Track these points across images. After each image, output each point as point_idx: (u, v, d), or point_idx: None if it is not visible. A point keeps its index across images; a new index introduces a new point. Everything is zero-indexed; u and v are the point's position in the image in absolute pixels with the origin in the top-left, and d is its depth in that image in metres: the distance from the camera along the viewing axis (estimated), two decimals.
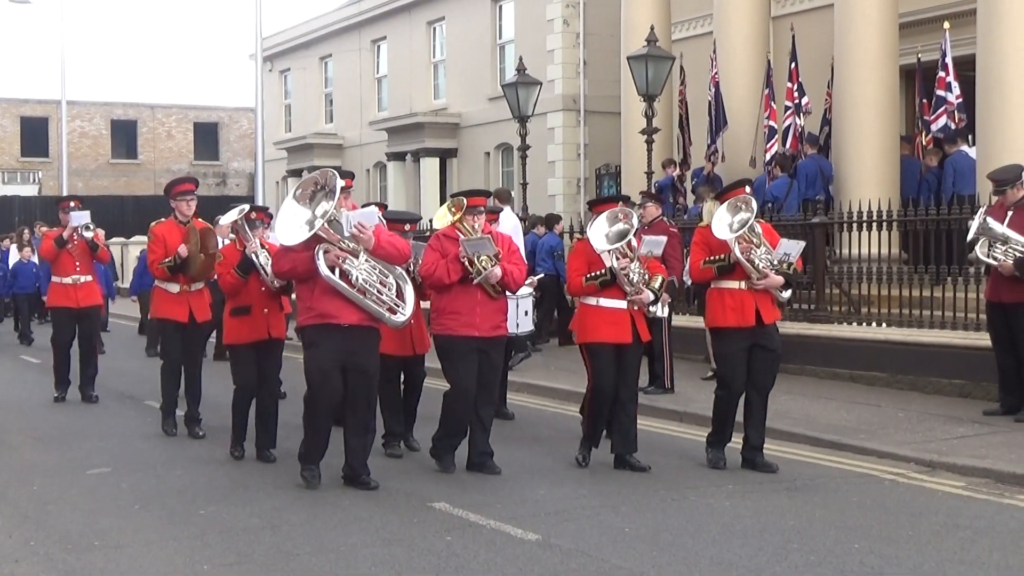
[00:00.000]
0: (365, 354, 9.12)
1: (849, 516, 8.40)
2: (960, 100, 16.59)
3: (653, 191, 17.79)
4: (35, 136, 52.39)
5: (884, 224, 14.81)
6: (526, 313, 12.58)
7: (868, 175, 16.79)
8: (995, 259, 11.81)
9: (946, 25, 17.08)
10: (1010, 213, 11.87)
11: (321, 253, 8.79)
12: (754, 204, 9.84)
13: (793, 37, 18.99)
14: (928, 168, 17.37)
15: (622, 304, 9.85)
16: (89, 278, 14.35)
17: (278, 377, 10.81)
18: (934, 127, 16.92)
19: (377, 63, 36.41)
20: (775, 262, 9.83)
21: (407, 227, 10.99)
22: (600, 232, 9.75)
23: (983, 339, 12.72)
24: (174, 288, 11.83)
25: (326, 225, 8.70)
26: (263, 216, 10.83)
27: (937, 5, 19.02)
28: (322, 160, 37.31)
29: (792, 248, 10.05)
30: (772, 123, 18.69)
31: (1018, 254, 11.64)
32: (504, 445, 10.39)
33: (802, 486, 9.41)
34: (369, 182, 35.79)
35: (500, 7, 30.79)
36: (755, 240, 9.84)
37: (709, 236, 9.92)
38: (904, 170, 17.36)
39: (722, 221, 9.77)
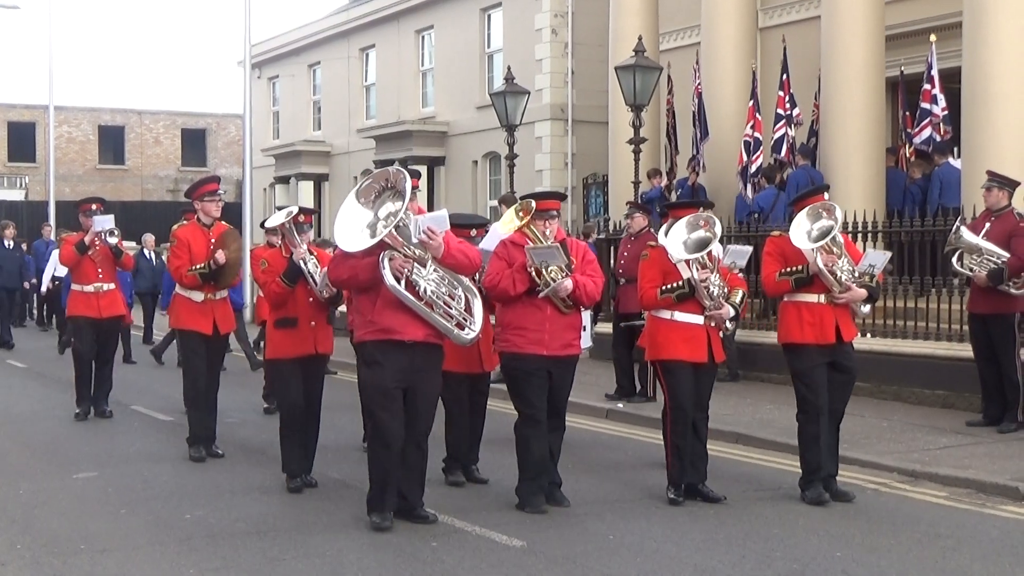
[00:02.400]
0: (430, 374, 8.31)
1: (832, 525, 8.46)
2: (946, 112, 16.69)
3: (640, 202, 17.83)
4: (22, 141, 52.30)
5: (869, 235, 14.88)
6: (584, 328, 11.76)
7: (854, 186, 16.86)
8: (971, 270, 11.91)
9: (932, 38, 17.18)
10: (988, 224, 11.98)
11: (386, 260, 7.94)
12: (838, 212, 9.07)
13: (785, 48, 19.08)
14: (913, 180, 17.46)
15: (699, 319, 9.03)
16: (112, 286, 13.52)
17: (321, 395, 9.92)
18: (918, 139, 17.01)
19: (365, 71, 36.43)
20: (857, 274, 9.07)
21: (473, 232, 9.92)
22: (678, 240, 8.96)
23: (966, 350, 12.80)
24: (198, 297, 10.99)
25: (394, 232, 7.89)
26: (311, 219, 10.00)
27: (922, 18, 19.12)
28: (309, 167, 37.38)
29: (878, 259, 9.26)
30: (757, 134, 18.76)
31: (991, 265, 11.73)
32: (486, 449, 10.37)
33: (785, 495, 9.45)
34: None
35: (489, 16, 30.85)
36: (836, 250, 9.03)
37: (784, 245, 9.16)
38: (889, 182, 17.43)
39: (800, 228, 9.00)
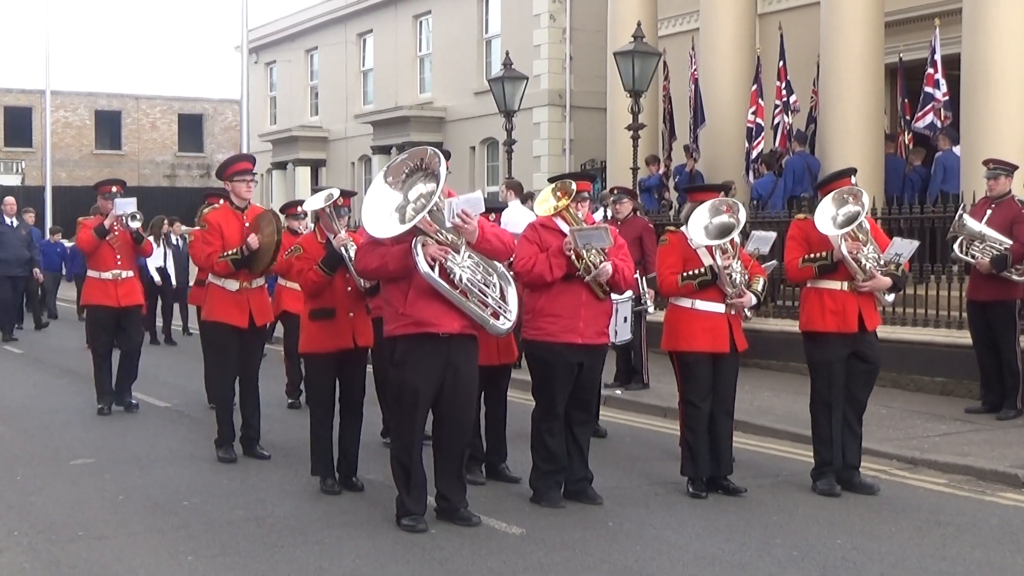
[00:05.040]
0: (467, 368, 7.84)
1: (832, 512, 8.44)
2: (947, 98, 16.66)
3: (639, 189, 17.77)
4: (18, 126, 52.20)
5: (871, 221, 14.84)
6: (625, 319, 11.19)
7: None
8: (973, 257, 11.88)
9: (936, 22, 17.14)
10: (989, 211, 11.95)
11: (419, 247, 7.48)
12: (865, 197, 8.76)
13: (781, 35, 19.05)
14: (912, 167, 17.44)
15: (720, 308, 8.75)
16: (131, 273, 12.71)
17: (363, 392, 9.28)
18: (920, 124, 16.96)
19: (363, 56, 36.36)
20: (882, 262, 8.79)
21: (492, 216, 9.40)
22: (699, 225, 8.64)
23: (965, 337, 12.78)
24: (232, 286, 10.19)
25: (427, 216, 7.45)
26: (349, 202, 9.34)
27: (920, 5, 19.08)
28: (307, 153, 37.32)
29: (905, 248, 8.94)
30: (760, 120, 18.74)
31: (994, 252, 11.71)
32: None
33: (785, 481, 9.45)
34: (354, 175, 35.77)
35: (487, 1, 30.76)
36: (862, 237, 8.76)
37: (809, 230, 8.85)
38: (888, 168, 17.41)
39: (825, 214, 8.69)
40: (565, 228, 8.48)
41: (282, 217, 12.60)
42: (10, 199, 21.01)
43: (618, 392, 13.59)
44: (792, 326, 15.23)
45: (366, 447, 9.36)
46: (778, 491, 9.12)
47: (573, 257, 8.35)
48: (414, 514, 7.80)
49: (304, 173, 37.56)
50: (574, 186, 8.54)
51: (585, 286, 8.43)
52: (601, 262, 8.35)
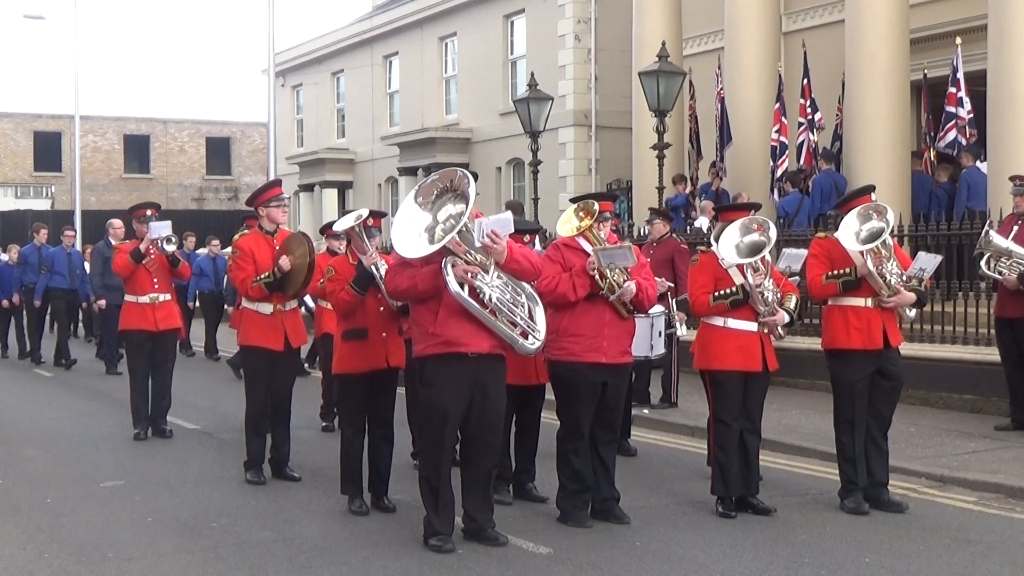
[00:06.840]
0: (496, 388, 7.89)
1: (860, 530, 8.41)
2: (971, 115, 16.61)
3: (665, 207, 17.78)
4: (48, 151, 52.60)
5: (895, 239, 14.79)
6: (660, 334, 11.18)
7: (879, 190, 16.58)
8: (1000, 273, 11.82)
9: (958, 40, 17.11)
10: (1016, 228, 11.89)
11: (449, 267, 7.56)
12: (889, 214, 8.75)
13: (805, 53, 19.04)
14: (938, 183, 17.39)
15: (752, 326, 8.75)
16: (168, 297, 12.68)
17: (393, 412, 9.30)
18: (942, 143, 16.93)
19: (389, 78, 36.52)
20: (905, 277, 8.79)
21: (527, 238, 9.45)
22: (730, 243, 8.66)
23: (993, 354, 12.72)
24: (266, 309, 10.23)
25: (456, 237, 7.56)
26: (380, 223, 9.32)
27: (945, 21, 19.04)
28: (333, 175, 37.49)
29: (929, 263, 8.94)
30: (784, 138, 18.73)
31: (1021, 268, 11.64)
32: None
33: (813, 500, 9.41)
34: (381, 197, 35.89)
35: (512, 23, 30.88)
36: (885, 252, 8.76)
37: (831, 247, 8.89)
38: (915, 185, 17.36)
39: (849, 229, 8.71)
40: (588, 248, 8.52)
41: (321, 239, 12.62)
42: (117, 222, 19.56)
43: (645, 411, 13.57)
44: (819, 343, 15.29)
45: (394, 467, 9.37)
46: (806, 510, 9.09)
47: (596, 276, 8.37)
48: (441, 534, 7.82)
49: (331, 195, 37.73)
50: (596, 206, 8.55)
51: (609, 305, 8.45)
52: (625, 281, 8.38)
